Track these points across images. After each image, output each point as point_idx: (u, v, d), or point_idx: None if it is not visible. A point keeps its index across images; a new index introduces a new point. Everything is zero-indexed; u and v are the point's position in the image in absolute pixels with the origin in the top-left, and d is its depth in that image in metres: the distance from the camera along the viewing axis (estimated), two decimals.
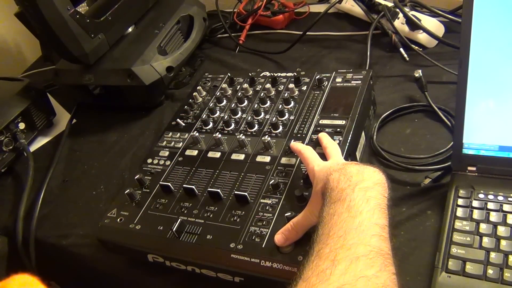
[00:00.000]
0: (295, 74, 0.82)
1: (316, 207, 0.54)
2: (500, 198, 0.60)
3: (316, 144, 0.68)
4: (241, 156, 0.72)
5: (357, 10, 1.05)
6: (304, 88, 0.80)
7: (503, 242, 0.56)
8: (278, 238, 0.57)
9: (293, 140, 0.71)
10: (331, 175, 0.53)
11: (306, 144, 0.69)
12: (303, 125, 0.73)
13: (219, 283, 0.62)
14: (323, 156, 0.64)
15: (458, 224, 0.59)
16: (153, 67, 0.96)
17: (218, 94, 0.86)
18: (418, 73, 0.81)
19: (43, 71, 1.30)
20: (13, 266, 0.85)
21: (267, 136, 0.73)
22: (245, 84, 0.85)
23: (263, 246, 0.58)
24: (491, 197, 0.61)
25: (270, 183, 0.64)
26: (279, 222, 0.60)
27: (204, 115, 0.83)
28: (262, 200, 0.64)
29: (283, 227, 0.58)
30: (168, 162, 0.76)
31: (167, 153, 0.78)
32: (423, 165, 0.72)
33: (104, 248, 0.71)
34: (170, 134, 0.82)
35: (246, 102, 0.82)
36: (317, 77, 0.80)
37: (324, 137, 0.67)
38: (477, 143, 0.64)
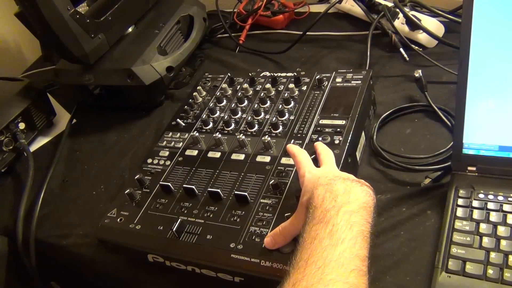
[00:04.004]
0: (295, 74, 0.82)
1: (302, 217, 0.54)
2: (500, 198, 0.60)
3: None
4: (241, 156, 0.72)
5: (357, 10, 1.05)
6: (304, 88, 0.80)
7: (503, 242, 0.56)
8: (267, 241, 0.57)
9: (293, 140, 0.71)
10: (316, 190, 0.53)
11: (306, 144, 0.69)
12: (303, 125, 0.73)
13: (219, 283, 0.62)
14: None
15: (458, 224, 0.59)
16: (153, 67, 0.96)
17: (218, 94, 0.86)
18: (418, 73, 0.81)
19: (43, 71, 1.30)
20: (13, 266, 0.85)
21: (267, 136, 0.73)
22: (245, 84, 0.85)
23: (263, 246, 0.58)
24: (491, 197, 0.61)
25: (270, 183, 0.64)
26: (279, 222, 0.59)
27: (204, 115, 0.83)
28: (262, 200, 0.64)
29: (273, 230, 0.58)
30: (168, 162, 0.76)
31: (167, 153, 0.78)
32: (423, 165, 0.72)
33: (104, 248, 0.71)
34: (170, 134, 0.82)
35: (246, 102, 0.82)
36: (317, 77, 0.80)
37: (319, 144, 0.66)
38: (477, 143, 0.64)
